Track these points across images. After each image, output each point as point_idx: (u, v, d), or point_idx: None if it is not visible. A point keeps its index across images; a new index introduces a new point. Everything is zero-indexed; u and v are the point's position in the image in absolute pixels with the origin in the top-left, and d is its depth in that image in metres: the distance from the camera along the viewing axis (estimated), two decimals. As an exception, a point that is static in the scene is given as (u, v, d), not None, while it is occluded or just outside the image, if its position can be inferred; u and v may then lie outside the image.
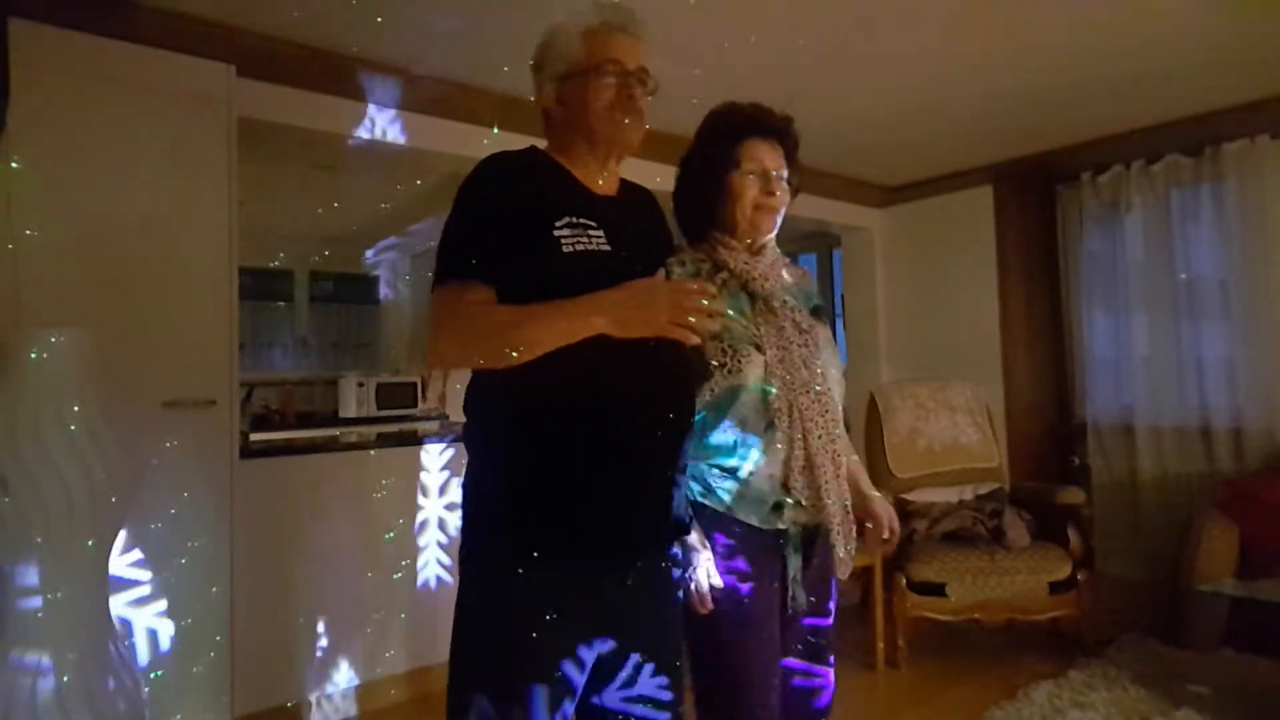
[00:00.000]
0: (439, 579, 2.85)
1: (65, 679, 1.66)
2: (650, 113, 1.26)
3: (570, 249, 1.14)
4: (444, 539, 2.89)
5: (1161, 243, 3.73)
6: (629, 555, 1.16)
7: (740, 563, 1.31)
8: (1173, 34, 2.70)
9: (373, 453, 2.81)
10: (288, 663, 2.52)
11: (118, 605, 2.07)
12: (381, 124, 2.83)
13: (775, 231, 1.45)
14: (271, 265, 5.56)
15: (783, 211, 1.44)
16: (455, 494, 2.92)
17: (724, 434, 1.31)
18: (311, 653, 2.57)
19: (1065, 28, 2.63)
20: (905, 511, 3.20)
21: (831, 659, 1.45)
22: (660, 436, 1.16)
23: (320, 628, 2.59)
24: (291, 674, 2.53)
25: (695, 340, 1.12)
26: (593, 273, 1.14)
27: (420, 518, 2.85)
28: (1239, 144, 3.45)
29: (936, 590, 2.86)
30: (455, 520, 2.91)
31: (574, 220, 1.17)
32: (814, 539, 1.36)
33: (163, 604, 2.16)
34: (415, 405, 4.93)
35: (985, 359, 4.13)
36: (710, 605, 1.28)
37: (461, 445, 3.00)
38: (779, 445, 1.30)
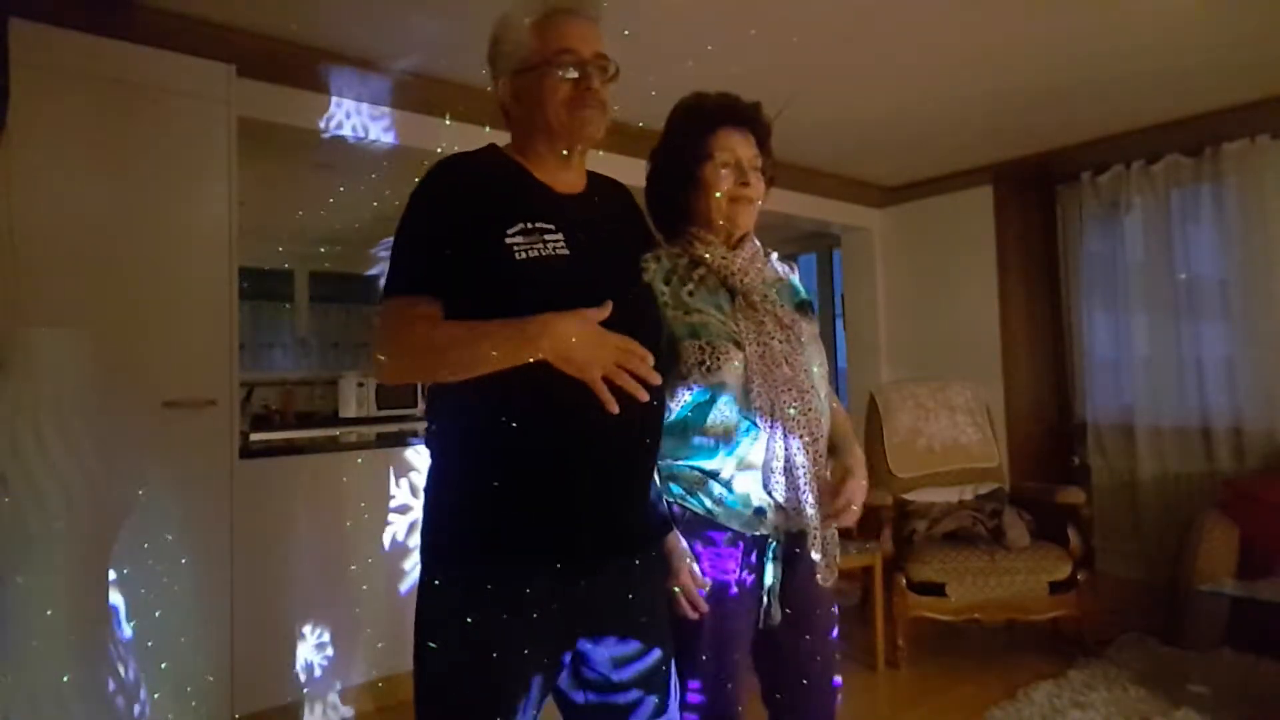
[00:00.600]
0: (439, 579, 2.85)
1: (65, 679, 1.66)
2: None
3: (523, 256, 1.08)
4: (444, 539, 2.89)
5: (1161, 243, 3.72)
6: (597, 557, 1.13)
7: (720, 567, 1.27)
8: (1173, 34, 2.70)
9: (373, 453, 2.81)
10: (288, 663, 2.52)
11: (117, 604, 2.07)
12: (382, 124, 2.83)
13: (752, 224, 1.40)
14: (271, 265, 5.56)
15: (759, 203, 1.38)
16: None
17: (703, 435, 1.26)
18: (312, 653, 2.57)
19: (1065, 27, 2.63)
20: (905, 511, 3.20)
21: (834, 632, 1.40)
22: (627, 437, 1.12)
23: (320, 628, 2.59)
24: (291, 674, 2.53)
25: (614, 407, 1.04)
26: (549, 281, 1.08)
27: (420, 518, 2.84)
28: (1239, 144, 3.45)
29: (936, 590, 2.86)
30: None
31: (529, 225, 1.10)
32: (799, 547, 1.31)
33: (163, 604, 2.16)
34: (415, 405, 4.93)
35: (985, 359, 4.13)
36: (705, 608, 1.24)
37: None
38: (760, 446, 1.25)
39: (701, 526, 1.28)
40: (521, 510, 1.08)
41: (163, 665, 2.15)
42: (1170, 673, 2.69)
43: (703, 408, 1.26)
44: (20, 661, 1.65)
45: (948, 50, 2.81)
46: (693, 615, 1.24)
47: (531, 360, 1.03)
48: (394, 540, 2.77)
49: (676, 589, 1.24)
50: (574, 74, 1.15)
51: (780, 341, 1.29)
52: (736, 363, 1.25)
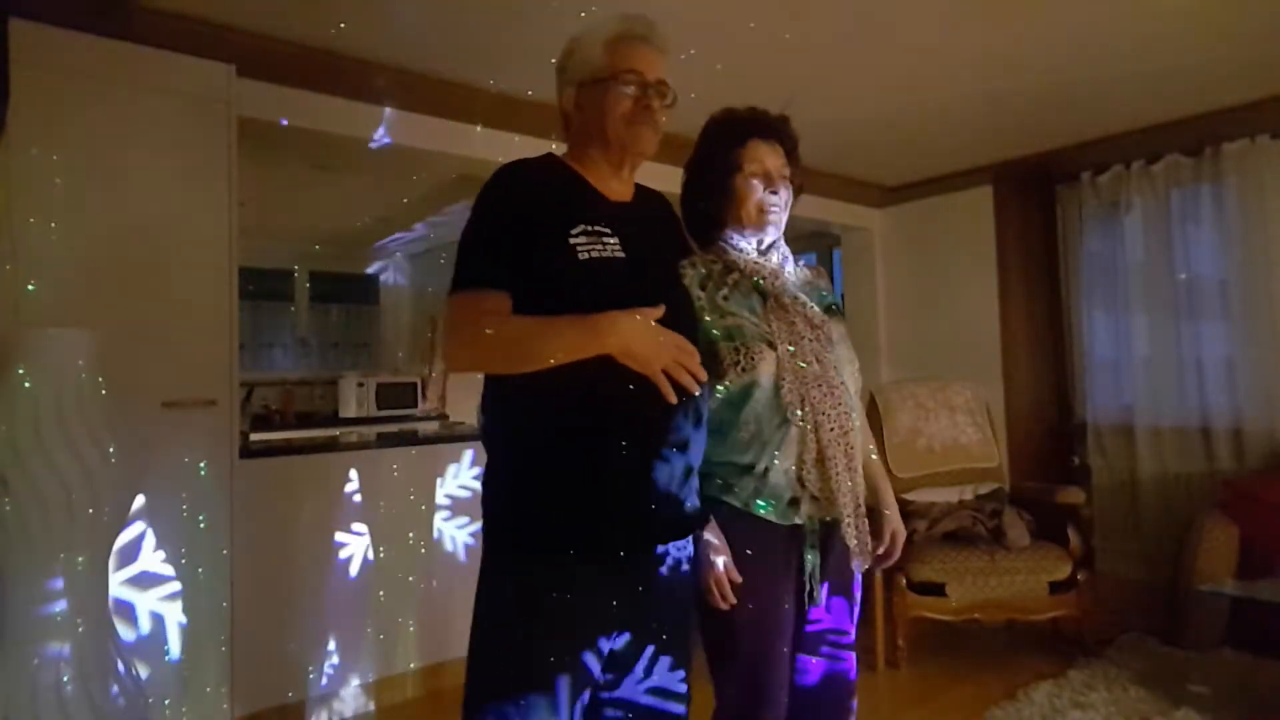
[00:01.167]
0: (440, 578, 2.85)
1: (65, 679, 1.66)
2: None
3: (586, 256, 1.17)
4: (444, 538, 2.89)
5: (1161, 243, 3.72)
6: (647, 548, 1.19)
7: (758, 558, 1.33)
8: (1173, 34, 2.70)
9: (373, 453, 2.81)
10: (288, 662, 2.52)
11: (117, 605, 2.07)
12: (381, 124, 2.83)
13: (781, 230, 1.48)
14: (271, 265, 5.56)
15: (787, 210, 1.48)
16: (455, 493, 2.93)
17: (739, 431, 1.33)
18: (311, 653, 2.57)
19: (1065, 27, 2.63)
20: (905, 511, 3.20)
21: (853, 636, 1.52)
22: (676, 430, 1.18)
23: (320, 628, 2.59)
24: (292, 674, 2.53)
25: (672, 397, 1.14)
26: (608, 280, 1.16)
27: (420, 518, 2.85)
28: (1239, 144, 3.45)
29: (936, 590, 2.86)
30: (454, 520, 2.91)
31: (589, 228, 1.19)
32: (832, 534, 1.38)
33: (162, 604, 2.17)
34: (415, 405, 4.93)
35: (985, 359, 4.13)
36: (733, 600, 1.30)
37: (461, 445, 3.02)
38: (793, 440, 1.32)
39: (738, 520, 1.34)
40: (577, 499, 1.14)
41: (163, 665, 2.15)
42: (1170, 673, 2.69)
43: (737, 406, 1.34)
44: (20, 662, 1.65)
45: (948, 50, 2.81)
46: (723, 606, 1.30)
47: (596, 355, 1.11)
48: (394, 541, 2.77)
49: (711, 581, 1.30)
50: (636, 92, 1.24)
51: (810, 340, 1.38)
52: (769, 362, 1.33)
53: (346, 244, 5.69)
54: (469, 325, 1.16)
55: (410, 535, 2.81)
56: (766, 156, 1.45)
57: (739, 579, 1.31)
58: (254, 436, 3.98)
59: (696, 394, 1.18)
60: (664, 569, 1.22)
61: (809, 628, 1.43)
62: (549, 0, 2.19)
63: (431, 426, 4.61)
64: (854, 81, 3.07)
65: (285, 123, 2.59)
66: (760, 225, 1.44)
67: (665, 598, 1.23)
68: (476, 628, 1.19)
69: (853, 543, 1.35)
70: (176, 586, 2.18)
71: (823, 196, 4.38)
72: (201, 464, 2.23)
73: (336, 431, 4.19)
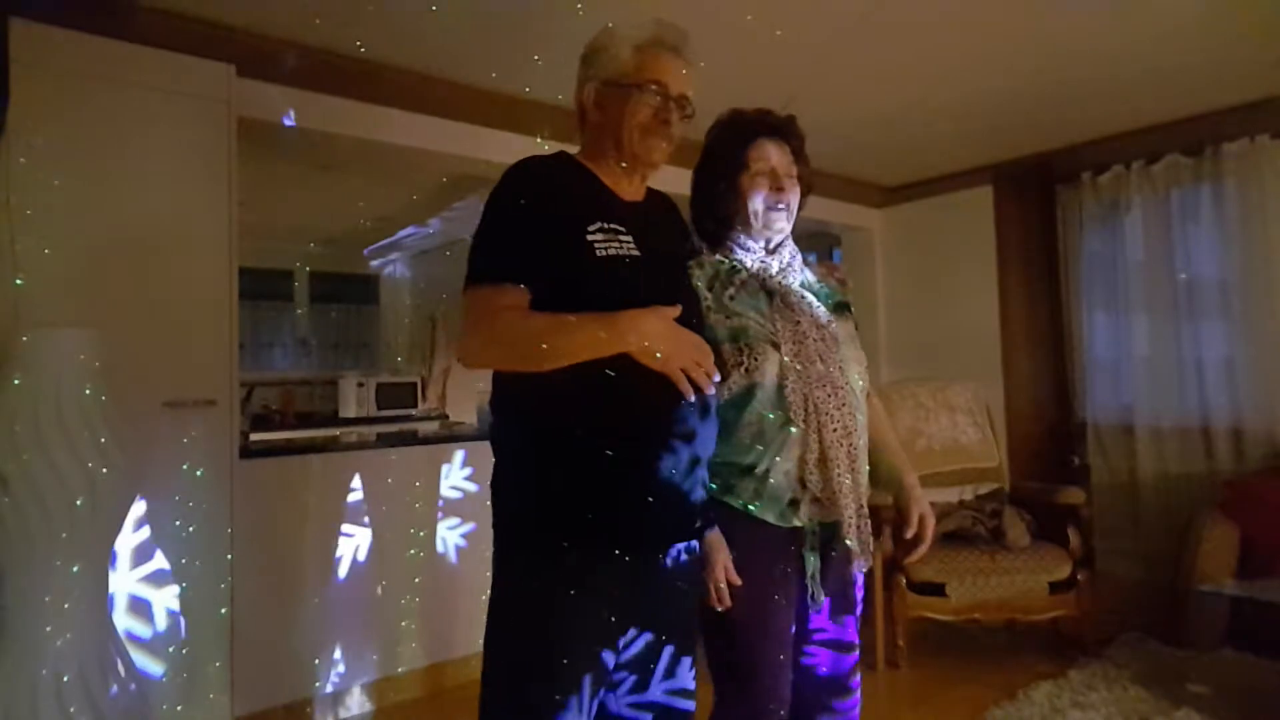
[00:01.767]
0: (440, 578, 2.85)
1: (65, 679, 1.66)
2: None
3: (604, 253, 1.16)
4: (443, 538, 2.89)
5: (1161, 243, 3.72)
6: (655, 547, 1.19)
7: (758, 560, 1.32)
8: (1173, 34, 2.70)
9: (373, 453, 2.81)
10: (288, 662, 2.52)
11: (117, 605, 2.07)
12: (381, 124, 2.82)
13: (789, 229, 1.49)
14: (271, 265, 5.56)
15: (795, 209, 1.48)
16: (453, 493, 2.93)
17: (742, 432, 1.33)
18: (312, 653, 2.57)
19: (1065, 28, 2.63)
20: (905, 511, 3.20)
21: (855, 638, 1.53)
22: (688, 427, 1.18)
23: (321, 627, 2.59)
24: (292, 674, 2.53)
25: (690, 394, 1.15)
26: (625, 278, 1.16)
27: (421, 517, 2.85)
28: (1239, 144, 3.44)
29: (936, 590, 2.86)
30: (452, 520, 2.91)
31: (605, 225, 1.18)
32: (833, 537, 1.37)
33: (162, 604, 2.16)
34: (415, 405, 4.93)
35: (985, 359, 4.13)
36: (729, 602, 1.30)
37: (462, 444, 3.01)
38: (795, 441, 1.31)
39: (737, 521, 1.33)
40: (593, 496, 1.13)
41: (163, 665, 2.15)
42: (1170, 673, 2.69)
43: (740, 406, 1.33)
44: (20, 661, 1.65)
45: (948, 50, 2.81)
46: (719, 607, 1.30)
47: (617, 352, 1.11)
48: (394, 540, 2.77)
49: (710, 582, 1.30)
50: (657, 104, 1.23)
51: (816, 340, 1.36)
52: (772, 362, 1.32)
53: (346, 244, 5.69)
54: (489, 321, 1.15)
55: (411, 534, 2.81)
56: (772, 154, 1.45)
57: (737, 581, 1.30)
58: (254, 436, 3.99)
59: (711, 393, 1.18)
60: (676, 565, 1.22)
61: (810, 629, 1.43)
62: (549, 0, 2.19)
63: (431, 426, 4.62)
64: (854, 81, 3.07)
65: (286, 123, 2.59)
66: (768, 224, 1.45)
67: (676, 594, 1.23)
68: (495, 627, 1.18)
69: (854, 544, 1.34)
70: (177, 586, 2.18)
71: (823, 196, 4.37)
72: (201, 464, 2.23)
73: (336, 431, 4.20)
